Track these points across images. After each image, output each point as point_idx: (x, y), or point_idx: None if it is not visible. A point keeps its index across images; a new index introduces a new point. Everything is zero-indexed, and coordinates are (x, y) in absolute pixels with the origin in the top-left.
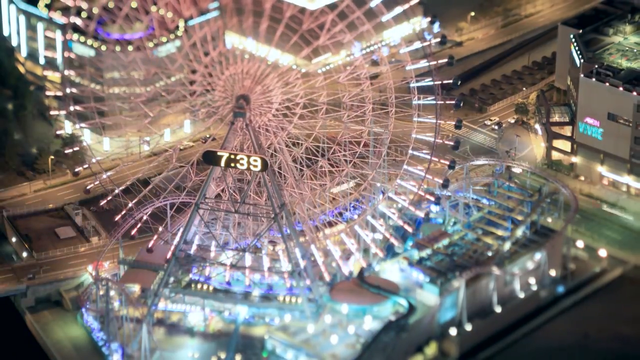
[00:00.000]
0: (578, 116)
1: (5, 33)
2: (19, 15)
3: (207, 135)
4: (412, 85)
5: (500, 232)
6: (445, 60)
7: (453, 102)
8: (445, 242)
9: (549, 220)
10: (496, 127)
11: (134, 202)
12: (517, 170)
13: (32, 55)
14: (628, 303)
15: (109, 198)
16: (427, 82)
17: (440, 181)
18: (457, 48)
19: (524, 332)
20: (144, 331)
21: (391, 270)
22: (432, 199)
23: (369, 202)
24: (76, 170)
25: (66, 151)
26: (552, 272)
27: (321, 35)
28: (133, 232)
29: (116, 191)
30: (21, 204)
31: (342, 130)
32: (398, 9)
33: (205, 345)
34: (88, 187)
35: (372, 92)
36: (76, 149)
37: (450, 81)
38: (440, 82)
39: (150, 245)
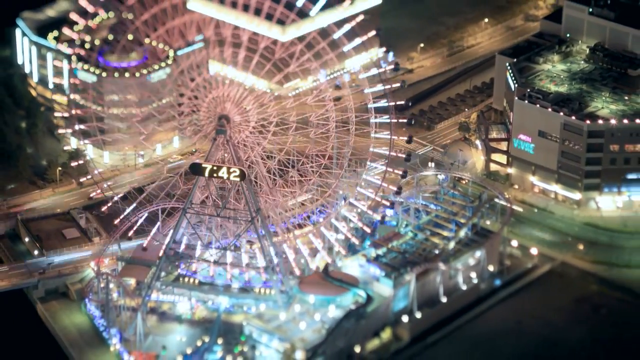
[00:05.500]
0: (513, 133)
1: (20, 61)
2: (31, 46)
3: (193, 150)
4: (369, 106)
5: (445, 233)
6: (399, 84)
7: (405, 120)
8: (398, 241)
9: (488, 222)
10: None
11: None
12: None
13: (43, 81)
14: (556, 294)
15: (109, 204)
16: (383, 103)
17: (395, 189)
18: (409, 74)
19: (466, 319)
20: (138, 318)
21: (352, 266)
22: (388, 204)
23: (332, 207)
24: (81, 180)
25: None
26: (491, 268)
27: (291, 64)
28: (130, 233)
29: (115, 198)
30: (33, 209)
31: (309, 145)
32: (357, 41)
33: (191, 331)
34: (92, 195)
35: (335, 112)
36: (81, 162)
37: (403, 102)
38: (394, 103)
39: (144, 244)
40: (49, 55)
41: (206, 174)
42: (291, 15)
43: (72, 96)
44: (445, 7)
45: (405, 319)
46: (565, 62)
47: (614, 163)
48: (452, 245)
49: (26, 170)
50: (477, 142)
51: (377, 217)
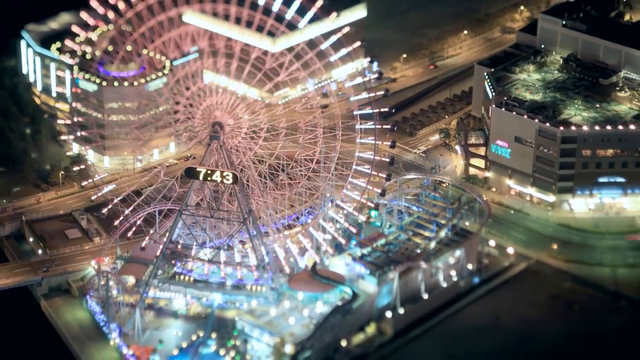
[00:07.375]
0: (490, 139)
1: (24, 71)
2: (35, 56)
3: (189, 155)
4: (355, 113)
5: (427, 234)
6: (382, 92)
7: (389, 126)
8: (382, 241)
9: (467, 223)
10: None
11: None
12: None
13: (46, 89)
14: (531, 291)
15: (110, 206)
16: (367, 111)
17: (379, 191)
18: (392, 83)
19: (446, 314)
20: (137, 314)
21: (338, 264)
22: (372, 205)
23: (320, 209)
24: (93, 197)
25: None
26: (469, 266)
27: (281, 73)
28: (129, 234)
29: (118, 201)
30: (37, 210)
31: (298, 150)
32: (343, 51)
33: (187, 326)
34: (92, 198)
35: (322, 118)
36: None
37: (387, 109)
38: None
39: (142, 244)
40: (52, 66)
41: (201, 178)
42: (281, 28)
43: (74, 104)
44: (427, 19)
45: (388, 314)
46: (540, 72)
47: (586, 167)
48: (433, 244)
49: (31, 174)
50: (457, 147)
51: (363, 217)
